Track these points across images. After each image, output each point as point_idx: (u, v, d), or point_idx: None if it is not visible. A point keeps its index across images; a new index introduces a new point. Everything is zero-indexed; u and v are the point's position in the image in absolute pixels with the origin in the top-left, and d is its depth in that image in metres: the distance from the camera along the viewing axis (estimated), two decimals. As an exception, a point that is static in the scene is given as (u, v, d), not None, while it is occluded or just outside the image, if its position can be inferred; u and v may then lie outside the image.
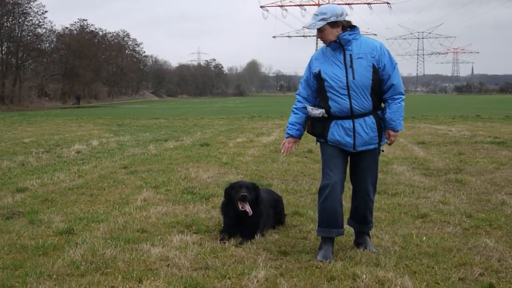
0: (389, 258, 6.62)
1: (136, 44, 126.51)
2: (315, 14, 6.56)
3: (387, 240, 7.37)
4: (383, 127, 6.68)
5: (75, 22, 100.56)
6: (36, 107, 71.41)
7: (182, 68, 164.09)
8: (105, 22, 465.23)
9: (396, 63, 6.59)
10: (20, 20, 75.22)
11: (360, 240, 7.11)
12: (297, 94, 7.03)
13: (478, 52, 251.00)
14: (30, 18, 76.20)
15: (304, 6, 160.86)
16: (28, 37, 76.85)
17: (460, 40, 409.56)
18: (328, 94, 6.58)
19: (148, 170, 14.04)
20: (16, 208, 9.55)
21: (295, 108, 6.97)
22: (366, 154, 6.71)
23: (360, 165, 6.83)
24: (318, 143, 7.05)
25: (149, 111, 58.11)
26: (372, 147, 6.67)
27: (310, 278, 6.10)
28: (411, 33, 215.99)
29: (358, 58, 6.44)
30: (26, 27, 76.30)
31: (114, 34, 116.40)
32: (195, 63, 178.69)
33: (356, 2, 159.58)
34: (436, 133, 24.79)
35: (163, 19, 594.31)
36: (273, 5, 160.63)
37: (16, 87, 75.00)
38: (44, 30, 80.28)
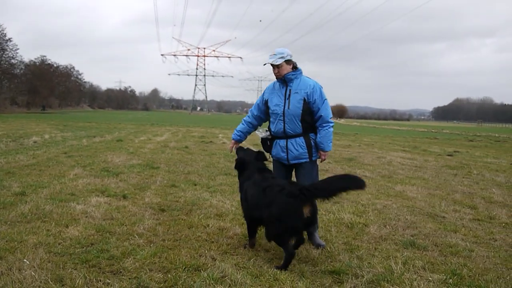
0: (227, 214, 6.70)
1: (79, 74, 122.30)
2: (273, 54, 5.48)
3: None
4: (313, 146, 5.59)
5: (38, 57, 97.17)
6: (9, 111, 67.26)
7: (109, 90, 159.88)
8: (60, 59, 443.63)
9: (326, 99, 5.53)
10: (-1, 54, 71.55)
11: (310, 237, 5.65)
12: (250, 110, 5.96)
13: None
14: (7, 52, 72.22)
15: (189, 56, 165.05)
16: (5, 66, 72.85)
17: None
18: (271, 119, 5.69)
19: (80, 155, 13.46)
20: (-14, 177, 8.96)
21: (244, 120, 5.94)
22: (301, 166, 5.63)
23: (298, 175, 5.70)
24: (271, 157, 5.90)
25: (85, 117, 55.88)
26: (303, 160, 5.59)
27: (177, 226, 6.06)
28: (254, 77, 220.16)
29: (295, 93, 5.48)
30: (4, 58, 72.29)
31: (64, 66, 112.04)
32: (118, 88, 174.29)
33: (220, 56, 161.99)
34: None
35: (99, 58, 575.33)
36: (169, 54, 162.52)
37: (-5, 98, 71.47)
38: (16, 61, 76.12)
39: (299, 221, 4.70)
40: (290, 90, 5.52)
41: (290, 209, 4.67)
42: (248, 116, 5.94)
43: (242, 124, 5.94)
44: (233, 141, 5.98)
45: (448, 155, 19.00)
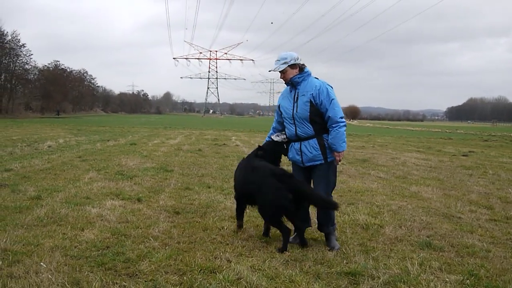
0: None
1: (92, 78, 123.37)
2: (277, 60, 5.54)
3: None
4: (328, 147, 5.50)
5: (51, 62, 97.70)
6: (23, 117, 68.07)
7: (122, 94, 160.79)
8: (73, 63, 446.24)
9: (333, 99, 5.41)
10: (14, 59, 71.99)
11: (326, 239, 5.68)
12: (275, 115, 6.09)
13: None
14: (21, 58, 73.00)
15: (201, 60, 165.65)
16: (19, 71, 73.69)
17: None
18: (285, 123, 5.71)
19: (94, 159, 13.54)
20: (3, 181, 9.01)
21: (272, 127, 6.05)
22: (316, 168, 5.57)
23: (314, 177, 5.65)
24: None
25: (99, 121, 56.25)
26: (318, 162, 5.52)
27: (192, 228, 6.08)
28: (267, 79, 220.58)
29: (302, 95, 5.45)
30: (18, 64, 73.12)
31: (77, 71, 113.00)
32: (131, 92, 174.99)
33: (233, 59, 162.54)
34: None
35: (111, 63, 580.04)
36: (181, 57, 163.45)
37: (10, 103, 72.05)
38: (30, 66, 77.00)
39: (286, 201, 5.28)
40: (298, 93, 5.53)
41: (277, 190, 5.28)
42: (274, 122, 6.04)
43: (271, 130, 6.06)
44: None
45: (463, 155, 18.84)
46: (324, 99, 5.41)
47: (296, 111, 5.50)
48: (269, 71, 5.69)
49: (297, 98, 5.51)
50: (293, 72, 5.52)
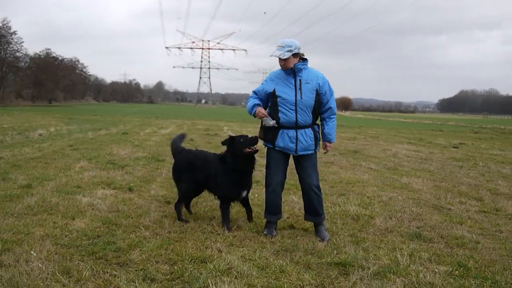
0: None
1: (84, 66, 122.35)
2: (281, 46, 5.38)
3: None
4: (319, 138, 5.62)
5: (43, 50, 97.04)
6: (14, 105, 67.59)
7: (114, 83, 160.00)
8: (65, 52, 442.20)
9: (333, 91, 5.58)
10: (4, 47, 71.40)
11: (317, 230, 5.70)
12: (253, 92, 5.66)
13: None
14: (12, 45, 72.67)
15: (193, 49, 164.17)
16: (10, 58, 73.19)
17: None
18: (279, 108, 5.44)
19: (85, 148, 13.50)
20: (-7, 170, 9.00)
21: (253, 98, 5.61)
22: (305, 157, 5.57)
23: (305, 166, 5.61)
24: (266, 147, 5.74)
25: (90, 110, 55.92)
26: (309, 152, 5.53)
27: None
28: (259, 69, 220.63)
29: (306, 83, 5.40)
30: (9, 51, 72.59)
31: (69, 59, 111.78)
32: (122, 81, 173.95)
33: (225, 48, 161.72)
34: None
35: (104, 51, 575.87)
36: (174, 47, 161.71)
37: (0, 91, 71.59)
38: (21, 54, 76.52)
39: None
40: (300, 80, 5.44)
41: None
42: (254, 97, 5.65)
43: (254, 98, 5.63)
44: (260, 107, 5.55)
45: (454, 147, 18.93)
46: (327, 90, 5.51)
47: (301, 98, 5.39)
48: (271, 56, 5.46)
49: (300, 85, 5.43)
50: (294, 61, 5.44)
